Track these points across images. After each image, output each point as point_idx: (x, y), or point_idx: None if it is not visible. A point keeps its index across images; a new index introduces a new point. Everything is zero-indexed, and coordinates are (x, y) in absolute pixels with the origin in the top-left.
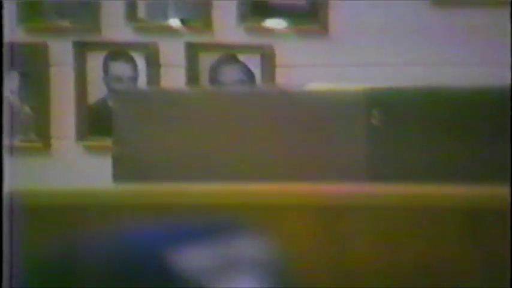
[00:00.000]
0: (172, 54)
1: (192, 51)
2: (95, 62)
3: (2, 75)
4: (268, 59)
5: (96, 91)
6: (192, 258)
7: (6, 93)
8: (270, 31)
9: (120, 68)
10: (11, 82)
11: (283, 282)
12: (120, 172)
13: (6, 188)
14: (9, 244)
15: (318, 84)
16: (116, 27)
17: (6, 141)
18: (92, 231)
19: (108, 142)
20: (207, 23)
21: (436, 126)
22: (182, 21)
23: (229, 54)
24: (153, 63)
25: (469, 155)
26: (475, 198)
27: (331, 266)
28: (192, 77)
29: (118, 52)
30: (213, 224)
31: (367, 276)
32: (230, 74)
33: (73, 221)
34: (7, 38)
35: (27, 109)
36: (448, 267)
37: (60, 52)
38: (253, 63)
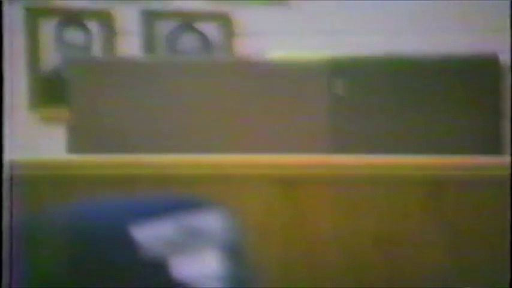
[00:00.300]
0: (128, 22)
1: (148, 18)
2: (47, 28)
3: (2, 75)
4: (226, 27)
5: (49, 59)
6: (153, 231)
7: (5, 93)
8: None
9: (73, 35)
10: None
11: (244, 254)
12: (75, 143)
13: None
14: None
15: (278, 52)
16: None
17: None
18: (49, 202)
19: (62, 112)
20: None
21: (400, 96)
22: None
23: (187, 22)
24: (108, 30)
25: (432, 124)
26: (438, 168)
27: (292, 237)
28: (149, 45)
29: (71, 19)
30: (173, 196)
31: (328, 247)
32: (188, 42)
33: (28, 192)
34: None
35: None
36: (410, 238)
37: (12, 18)
38: (212, 31)
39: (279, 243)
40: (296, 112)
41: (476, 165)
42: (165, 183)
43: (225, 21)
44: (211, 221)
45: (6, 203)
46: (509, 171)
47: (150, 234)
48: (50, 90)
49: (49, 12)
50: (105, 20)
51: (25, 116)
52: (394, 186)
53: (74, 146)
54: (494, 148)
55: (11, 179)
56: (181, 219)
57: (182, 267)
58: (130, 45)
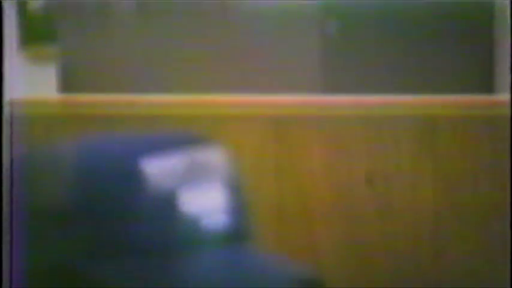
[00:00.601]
0: None
1: None
2: None
3: (2, 75)
4: None
5: None
6: (161, 165)
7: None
8: None
9: None
10: None
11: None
12: (65, 82)
13: None
14: None
15: None
16: None
17: None
18: (41, 141)
19: (50, 51)
20: None
21: (392, 36)
22: None
23: None
24: None
25: (425, 64)
26: (430, 107)
27: (284, 175)
28: None
29: None
30: (180, 132)
31: (320, 185)
32: None
33: (21, 132)
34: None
35: None
36: (401, 176)
37: None
38: None
39: (271, 182)
40: (288, 53)
41: (468, 104)
42: (157, 122)
43: None
44: (215, 157)
45: (6, 142)
46: (504, 110)
47: (158, 169)
48: (38, 29)
49: None
50: None
51: (13, 55)
52: (386, 126)
53: (65, 85)
54: (486, 87)
55: (11, 118)
56: (188, 155)
57: (189, 200)
58: None
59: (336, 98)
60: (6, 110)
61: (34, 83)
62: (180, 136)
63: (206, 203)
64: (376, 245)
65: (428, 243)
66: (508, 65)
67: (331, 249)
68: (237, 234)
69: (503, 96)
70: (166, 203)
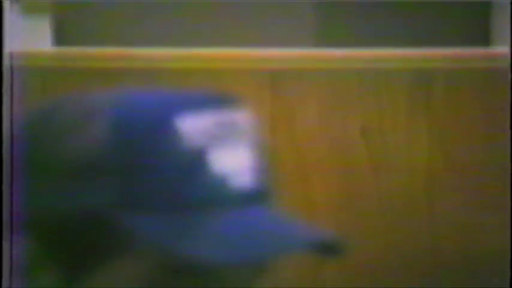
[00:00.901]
0: None
1: None
2: None
3: (1, 74)
4: None
5: None
6: (193, 123)
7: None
8: None
9: None
10: None
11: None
12: (60, 35)
13: None
14: None
15: None
16: None
17: None
18: (39, 94)
19: (44, 3)
20: None
21: None
22: None
23: None
24: None
25: (419, 16)
26: (426, 60)
27: (280, 129)
28: None
29: None
30: (210, 91)
31: (315, 140)
32: None
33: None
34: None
35: None
36: (397, 130)
37: None
38: None
39: (266, 135)
40: (283, 7)
41: (464, 57)
42: (154, 76)
43: None
44: (243, 118)
45: (6, 94)
46: (502, 62)
47: (190, 126)
48: None
49: None
50: None
51: (7, 6)
52: (381, 79)
53: (60, 38)
54: (482, 40)
55: (11, 69)
56: (219, 114)
57: (218, 160)
58: None
59: (331, 52)
60: (6, 62)
61: (28, 36)
62: (212, 95)
63: (234, 163)
64: (371, 197)
65: (422, 197)
66: (508, 19)
67: (325, 202)
68: (261, 194)
69: (501, 49)
70: (196, 161)
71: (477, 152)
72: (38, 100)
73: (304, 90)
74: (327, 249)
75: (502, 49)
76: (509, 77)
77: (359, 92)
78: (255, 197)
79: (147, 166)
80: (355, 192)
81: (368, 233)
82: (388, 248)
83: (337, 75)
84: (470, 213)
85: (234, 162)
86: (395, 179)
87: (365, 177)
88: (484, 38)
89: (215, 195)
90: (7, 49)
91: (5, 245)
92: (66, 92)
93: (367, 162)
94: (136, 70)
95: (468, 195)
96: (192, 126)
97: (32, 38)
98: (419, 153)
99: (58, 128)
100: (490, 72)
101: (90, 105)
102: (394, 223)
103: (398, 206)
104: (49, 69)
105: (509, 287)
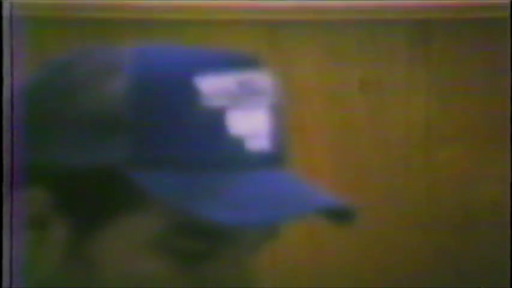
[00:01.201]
0: None
1: None
2: None
3: (1, 74)
4: None
5: None
6: (214, 83)
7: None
8: None
9: None
10: None
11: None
12: None
13: None
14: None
15: None
16: None
17: None
18: (33, 44)
19: None
20: None
21: None
22: None
23: None
24: None
25: None
26: (425, 10)
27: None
28: None
29: None
30: (233, 52)
31: (313, 92)
32: None
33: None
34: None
35: None
36: (396, 83)
37: None
38: None
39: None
40: None
41: (464, 7)
42: (150, 27)
43: None
44: (265, 80)
45: (6, 45)
46: (502, 13)
47: (211, 86)
48: None
49: None
50: None
51: None
52: (380, 31)
53: None
54: None
55: (11, 19)
56: (241, 75)
57: (238, 121)
58: None
59: (329, 3)
60: (6, 12)
61: None
62: (234, 55)
63: (252, 125)
64: (368, 150)
65: (420, 148)
66: None
67: (323, 154)
68: (278, 157)
69: None
70: (214, 121)
71: (476, 103)
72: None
73: (302, 42)
74: (340, 215)
75: None
76: (510, 27)
77: (357, 44)
78: (272, 159)
79: (164, 124)
80: (352, 144)
81: (365, 186)
82: (385, 200)
83: (335, 27)
84: (469, 165)
85: (252, 124)
86: (392, 131)
87: (362, 129)
88: None
89: (232, 156)
90: None
91: (5, 245)
92: (66, 42)
93: (364, 114)
94: (134, 20)
95: (466, 147)
96: (213, 85)
97: None
98: (418, 105)
99: (77, 80)
100: (490, 23)
101: (110, 59)
102: (392, 175)
103: (395, 158)
104: (47, 19)
105: (510, 287)
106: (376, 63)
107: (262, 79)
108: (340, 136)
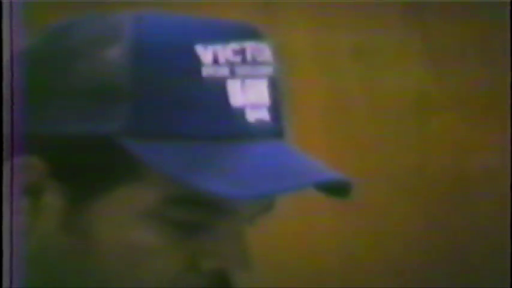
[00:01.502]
0: None
1: None
2: None
3: (1, 74)
4: None
5: None
6: (216, 52)
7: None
8: None
9: None
10: None
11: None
12: None
13: None
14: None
15: None
16: None
17: None
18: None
19: None
20: None
21: None
22: None
23: None
24: None
25: None
26: None
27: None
28: None
29: None
30: (236, 22)
31: (304, 59)
32: None
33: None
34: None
35: None
36: (389, 51)
37: None
38: None
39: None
40: None
41: None
42: (141, 3)
43: None
44: (266, 52)
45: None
46: None
47: (212, 56)
48: None
49: None
50: None
51: None
52: None
53: None
54: None
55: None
56: (242, 45)
57: (238, 91)
58: None
59: None
60: None
61: None
62: (236, 26)
63: (253, 96)
64: (360, 115)
65: (413, 116)
66: None
67: (315, 119)
68: (278, 129)
69: None
70: (214, 92)
71: (472, 71)
72: (31, 23)
73: (295, 9)
74: (338, 188)
75: None
76: (510, 27)
77: (351, 12)
78: (272, 131)
79: (164, 93)
80: (344, 109)
81: (357, 154)
82: (377, 168)
83: None
84: (464, 134)
85: (252, 96)
86: (385, 98)
87: (355, 96)
88: None
89: (232, 128)
90: None
91: (5, 244)
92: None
93: (357, 81)
94: None
95: (462, 115)
96: (213, 54)
97: None
98: (411, 73)
99: (76, 47)
100: None
101: (109, 26)
102: (384, 143)
103: (388, 123)
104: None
105: (510, 287)
106: (369, 31)
107: (262, 49)
108: (331, 102)
